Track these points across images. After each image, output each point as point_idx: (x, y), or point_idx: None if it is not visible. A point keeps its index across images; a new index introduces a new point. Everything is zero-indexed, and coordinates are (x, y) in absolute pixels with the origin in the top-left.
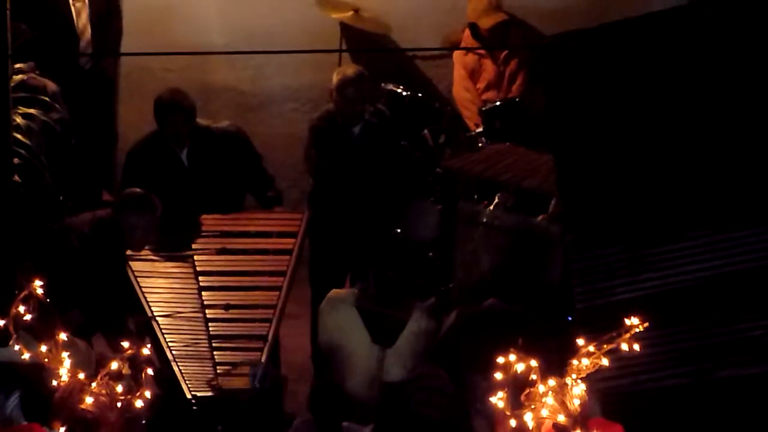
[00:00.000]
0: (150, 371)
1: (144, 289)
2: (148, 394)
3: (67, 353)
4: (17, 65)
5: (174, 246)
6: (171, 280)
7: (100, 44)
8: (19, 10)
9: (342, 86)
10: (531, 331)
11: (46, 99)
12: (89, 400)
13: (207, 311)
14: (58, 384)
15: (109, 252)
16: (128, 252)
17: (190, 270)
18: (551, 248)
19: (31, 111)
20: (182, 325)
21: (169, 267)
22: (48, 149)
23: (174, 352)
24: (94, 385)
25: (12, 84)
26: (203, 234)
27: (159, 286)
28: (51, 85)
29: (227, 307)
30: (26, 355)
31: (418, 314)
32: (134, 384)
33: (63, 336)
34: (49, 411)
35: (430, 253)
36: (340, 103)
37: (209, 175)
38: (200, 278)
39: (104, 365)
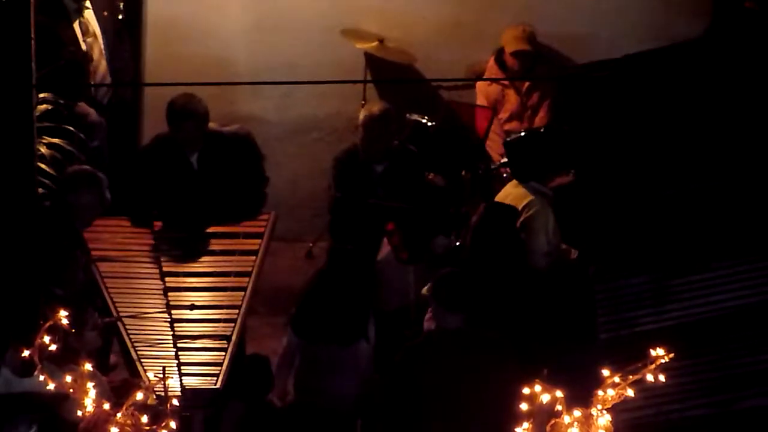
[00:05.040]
0: (175, 401)
1: (110, 290)
2: (173, 424)
3: (93, 383)
4: (42, 95)
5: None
6: (137, 281)
7: (116, 75)
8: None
9: (367, 123)
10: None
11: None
12: (114, 430)
13: (172, 312)
14: (83, 414)
15: (57, 235)
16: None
17: (156, 271)
18: None
19: (56, 141)
20: (147, 325)
21: (136, 268)
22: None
23: (138, 352)
24: (119, 415)
25: (37, 113)
26: (171, 235)
27: (125, 287)
28: (93, 114)
29: (192, 307)
30: (51, 386)
31: None
32: (160, 414)
33: (88, 366)
34: None
35: None
36: (365, 139)
37: (218, 179)
38: (166, 279)
39: (128, 392)
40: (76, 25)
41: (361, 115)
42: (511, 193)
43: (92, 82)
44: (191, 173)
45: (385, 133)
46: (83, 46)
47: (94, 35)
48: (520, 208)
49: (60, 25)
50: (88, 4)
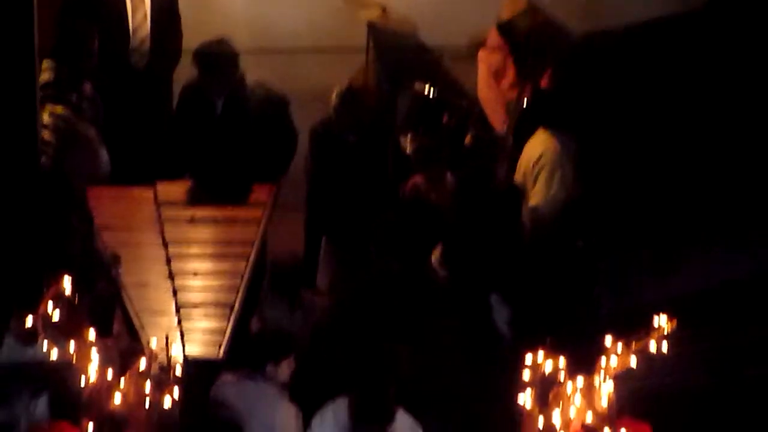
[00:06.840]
0: (179, 370)
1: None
2: (176, 392)
3: (96, 350)
4: (44, 63)
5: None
6: (139, 250)
7: (159, 44)
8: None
9: (343, 95)
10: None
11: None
12: (118, 397)
13: (175, 279)
14: (86, 382)
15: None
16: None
17: (159, 239)
18: None
19: (58, 109)
20: (150, 293)
21: (138, 236)
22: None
23: (141, 320)
24: (122, 382)
25: (40, 83)
26: (172, 203)
27: (127, 255)
28: (88, 88)
29: (195, 274)
30: (55, 354)
31: None
32: (163, 382)
33: (91, 334)
34: (78, 409)
35: None
36: (338, 110)
37: (239, 131)
38: (169, 247)
39: (130, 358)
40: None
41: (336, 89)
42: (538, 137)
43: (130, 44)
44: (212, 119)
45: (359, 105)
46: (129, 5)
47: None
48: (539, 152)
49: None
50: None
